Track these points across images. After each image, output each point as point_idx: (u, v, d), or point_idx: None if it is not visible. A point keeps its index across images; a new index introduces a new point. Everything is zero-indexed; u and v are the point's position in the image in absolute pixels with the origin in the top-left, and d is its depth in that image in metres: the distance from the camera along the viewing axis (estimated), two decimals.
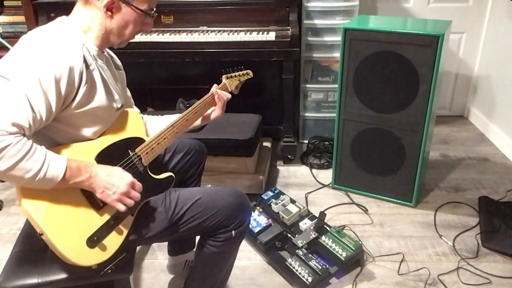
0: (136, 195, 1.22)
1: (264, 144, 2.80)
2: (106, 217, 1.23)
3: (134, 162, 1.31)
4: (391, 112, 2.19)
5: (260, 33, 2.43)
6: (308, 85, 2.92)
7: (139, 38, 2.43)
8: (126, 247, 1.31)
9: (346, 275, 1.90)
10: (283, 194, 2.34)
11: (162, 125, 1.42)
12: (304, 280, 1.78)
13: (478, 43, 3.22)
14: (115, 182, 1.18)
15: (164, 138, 1.39)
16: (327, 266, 1.85)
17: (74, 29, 1.21)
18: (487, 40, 3.16)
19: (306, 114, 3.01)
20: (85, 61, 1.17)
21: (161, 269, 1.96)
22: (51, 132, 1.19)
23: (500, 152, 2.93)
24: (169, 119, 1.51)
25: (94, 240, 1.20)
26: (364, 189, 2.44)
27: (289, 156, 2.82)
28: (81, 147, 1.22)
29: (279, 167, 2.80)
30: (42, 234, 1.12)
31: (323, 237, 1.98)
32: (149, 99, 2.95)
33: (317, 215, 2.09)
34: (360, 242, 1.97)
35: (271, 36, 2.41)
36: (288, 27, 2.45)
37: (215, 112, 1.57)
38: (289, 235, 2.06)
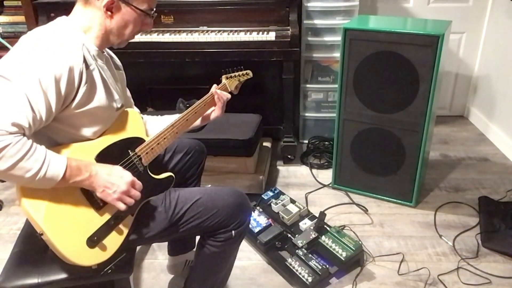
0: (137, 193, 1.22)
1: (264, 144, 2.80)
2: (106, 217, 1.23)
3: (134, 162, 1.31)
4: (391, 112, 2.19)
5: (260, 33, 2.43)
6: (308, 85, 2.92)
7: (139, 38, 2.43)
8: (126, 247, 1.31)
9: (346, 275, 1.90)
10: (283, 194, 2.34)
11: (162, 125, 1.42)
12: (304, 280, 1.78)
13: (478, 43, 3.22)
14: (115, 181, 1.18)
15: (164, 138, 1.39)
16: (327, 266, 1.85)
17: (74, 29, 1.21)
18: (487, 40, 3.16)
19: (306, 114, 3.01)
20: (85, 61, 1.17)
21: (161, 269, 1.96)
22: (51, 132, 1.19)
23: (500, 152, 2.93)
24: (169, 119, 1.51)
25: (94, 240, 1.20)
26: (364, 189, 2.44)
27: (289, 156, 2.82)
28: (81, 147, 1.22)
29: (279, 167, 2.80)
30: (42, 234, 1.12)
31: (323, 237, 1.98)
32: (149, 99, 2.95)
33: (317, 215, 2.09)
34: (360, 242, 1.97)
35: (271, 36, 2.41)
36: (288, 27, 2.45)
37: (215, 112, 1.57)
38: (289, 235, 2.06)
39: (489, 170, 2.72)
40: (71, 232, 1.16)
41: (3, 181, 2.62)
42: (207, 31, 2.49)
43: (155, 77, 2.89)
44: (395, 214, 2.31)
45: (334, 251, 1.90)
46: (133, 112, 1.42)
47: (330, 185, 2.56)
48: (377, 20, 2.47)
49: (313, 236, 1.99)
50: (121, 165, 1.26)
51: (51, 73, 1.08)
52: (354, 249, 1.89)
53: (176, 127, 1.43)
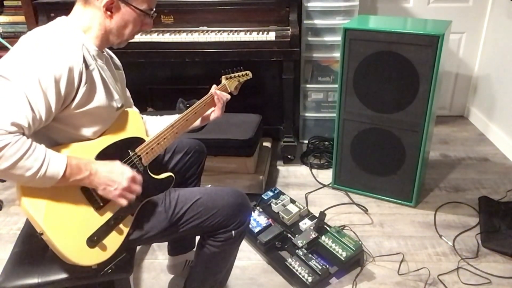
0: (138, 188, 1.23)
1: (264, 144, 2.80)
2: (106, 217, 1.23)
3: (134, 162, 1.31)
4: (391, 112, 2.19)
5: (260, 33, 2.43)
6: (308, 85, 2.92)
7: (139, 38, 2.43)
8: (126, 247, 1.31)
9: (346, 275, 1.90)
10: (283, 194, 2.34)
11: (162, 125, 1.42)
12: (304, 280, 1.78)
13: (478, 43, 3.22)
14: (116, 178, 1.18)
15: (164, 138, 1.39)
16: (327, 266, 1.85)
17: (74, 29, 1.21)
18: (487, 40, 3.16)
19: (306, 114, 3.01)
20: (84, 61, 1.17)
21: (161, 269, 1.96)
22: (51, 132, 1.19)
23: (500, 152, 2.93)
24: (169, 119, 1.51)
25: (94, 240, 1.20)
26: (364, 189, 2.44)
27: (289, 156, 2.82)
28: (81, 147, 1.22)
29: (279, 167, 2.80)
30: (42, 234, 1.12)
31: (323, 237, 1.98)
32: (149, 99, 2.95)
33: (317, 215, 2.09)
34: (360, 242, 1.97)
35: (271, 36, 2.41)
36: (288, 27, 2.45)
37: (214, 113, 1.58)
38: (289, 235, 2.06)
39: (489, 170, 2.72)
40: (71, 232, 1.16)
41: (3, 181, 2.63)
42: (207, 31, 2.49)
43: (155, 77, 2.89)
44: (395, 214, 2.31)
45: (334, 251, 1.90)
46: (133, 112, 1.42)
47: (330, 185, 2.56)
48: (377, 20, 2.47)
49: (313, 236, 1.99)
50: None
51: (51, 73, 1.09)
52: (354, 249, 1.89)
53: (176, 127, 1.43)
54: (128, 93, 1.55)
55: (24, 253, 1.34)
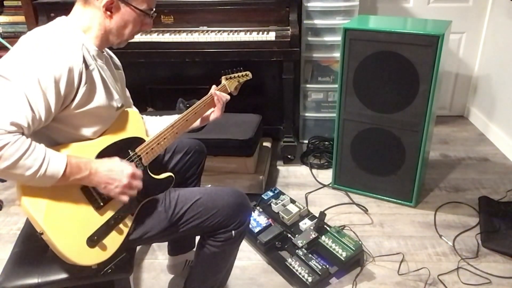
0: (139, 184, 1.23)
1: (264, 144, 2.80)
2: (106, 216, 1.23)
3: (134, 162, 1.31)
4: (391, 112, 2.19)
5: (260, 33, 2.43)
6: (308, 85, 2.92)
7: (139, 38, 2.43)
8: (126, 247, 1.31)
9: (346, 275, 1.89)
10: (283, 194, 2.34)
11: (162, 125, 1.42)
12: (304, 280, 1.78)
13: (478, 43, 3.22)
14: (116, 176, 1.18)
15: (164, 138, 1.40)
16: (327, 266, 1.85)
17: (74, 29, 1.21)
18: (487, 40, 3.16)
19: (306, 114, 3.01)
20: (84, 61, 1.17)
21: (161, 269, 1.96)
22: (51, 132, 1.19)
23: (500, 152, 2.93)
24: (169, 119, 1.51)
25: (94, 240, 1.20)
26: (364, 189, 2.44)
27: (289, 156, 2.82)
28: (81, 147, 1.22)
29: (279, 167, 2.80)
30: (42, 234, 1.12)
31: (323, 237, 1.98)
32: (149, 99, 2.95)
33: (317, 215, 2.09)
34: (360, 242, 1.97)
35: (271, 36, 2.41)
36: (288, 27, 2.45)
37: (214, 113, 1.58)
38: (289, 235, 2.06)
39: (489, 170, 2.72)
40: (71, 232, 1.16)
41: (3, 181, 2.63)
42: (207, 31, 2.49)
43: (155, 77, 2.89)
44: (395, 214, 2.31)
45: (334, 251, 1.90)
46: (133, 112, 1.42)
47: (330, 185, 2.56)
48: (377, 20, 2.47)
49: (313, 236, 1.99)
50: None
51: (51, 73, 1.09)
52: (354, 249, 1.89)
53: (176, 127, 1.44)
54: (127, 93, 1.55)
55: (24, 253, 1.35)
